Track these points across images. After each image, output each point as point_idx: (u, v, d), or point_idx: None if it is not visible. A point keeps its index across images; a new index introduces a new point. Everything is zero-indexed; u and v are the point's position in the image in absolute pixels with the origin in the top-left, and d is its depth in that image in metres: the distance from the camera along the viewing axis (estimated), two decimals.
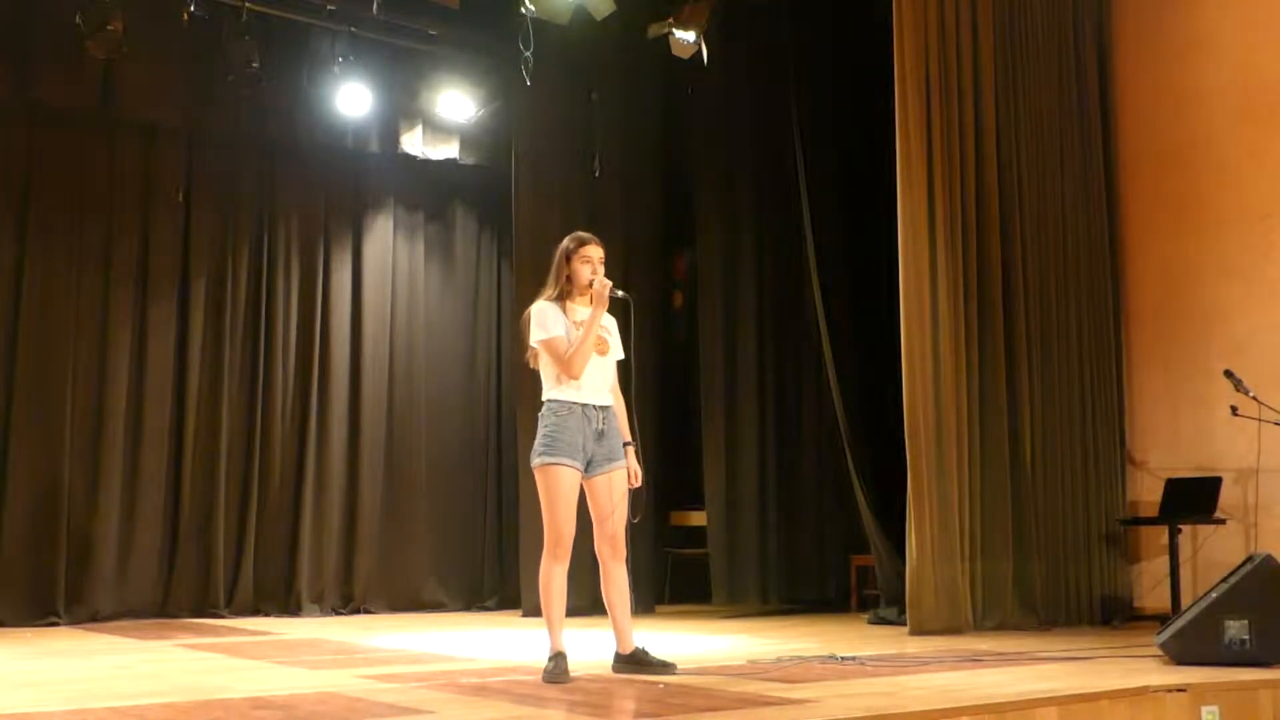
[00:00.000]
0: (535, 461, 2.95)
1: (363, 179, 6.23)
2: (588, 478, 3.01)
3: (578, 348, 2.92)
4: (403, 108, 6.11)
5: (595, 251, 3.07)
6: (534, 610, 5.52)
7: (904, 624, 4.49)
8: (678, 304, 6.42)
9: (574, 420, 2.96)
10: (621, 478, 3.05)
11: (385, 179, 6.27)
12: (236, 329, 5.86)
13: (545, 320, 3.01)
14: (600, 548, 3.07)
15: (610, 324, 3.20)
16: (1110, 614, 4.87)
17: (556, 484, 2.93)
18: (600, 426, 2.98)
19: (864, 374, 5.70)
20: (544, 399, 3.04)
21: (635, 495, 3.02)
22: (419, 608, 6.01)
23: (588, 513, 3.02)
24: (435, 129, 6.23)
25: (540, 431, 3.00)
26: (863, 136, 5.61)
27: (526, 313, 3.08)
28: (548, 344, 2.98)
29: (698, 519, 5.94)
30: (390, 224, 6.29)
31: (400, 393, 6.21)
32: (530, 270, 5.67)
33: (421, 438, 6.16)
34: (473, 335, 6.54)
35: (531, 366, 3.12)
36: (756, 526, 5.84)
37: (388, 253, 6.26)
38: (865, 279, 5.75)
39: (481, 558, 6.27)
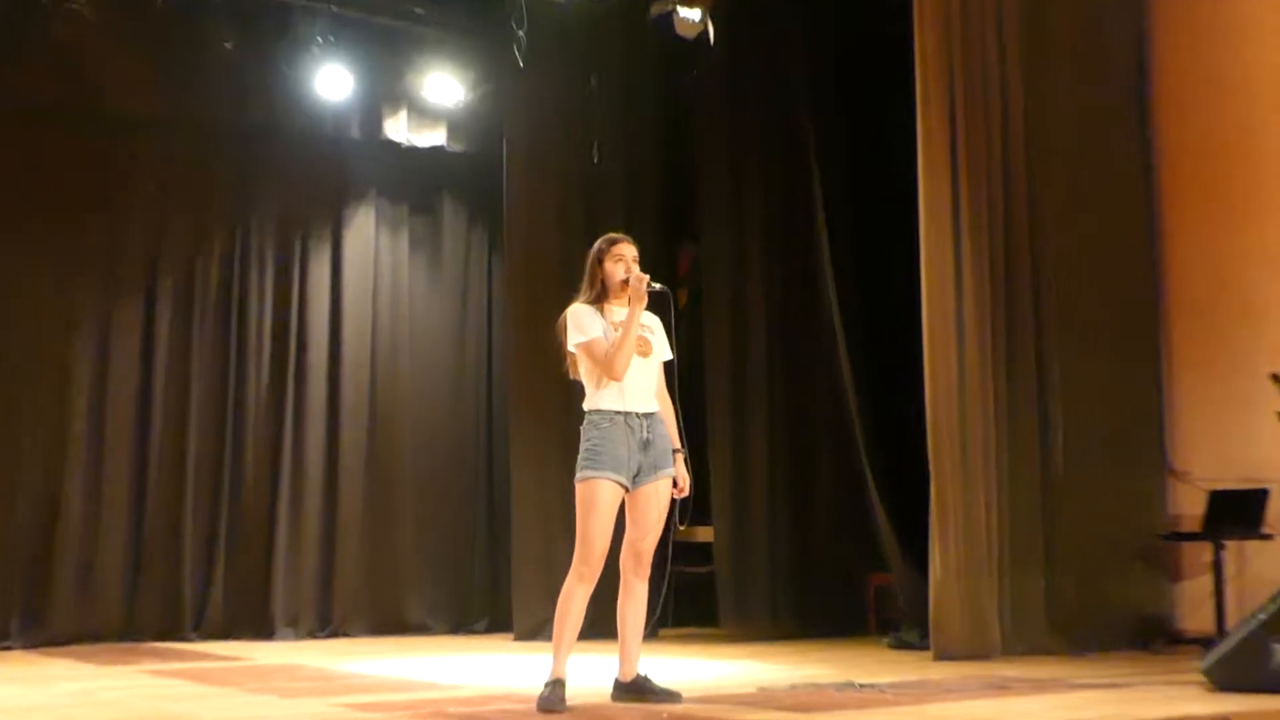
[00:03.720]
0: (578, 476, 2.98)
1: (343, 168, 6.19)
2: (633, 489, 3.02)
3: (618, 346, 2.96)
4: (386, 91, 6.07)
5: (628, 250, 3.13)
6: (527, 634, 5.45)
7: (927, 648, 4.45)
8: (682, 303, 6.29)
9: (617, 431, 3.00)
10: (667, 487, 3.07)
11: (367, 168, 6.22)
12: (206, 330, 5.84)
13: (582, 322, 3.05)
14: (625, 560, 3.13)
15: (653, 323, 3.24)
16: (1149, 637, 4.80)
17: (595, 498, 2.96)
18: (646, 435, 3.01)
19: (883, 377, 5.60)
20: (585, 409, 3.08)
21: (682, 504, 3.06)
22: (402, 630, 5.96)
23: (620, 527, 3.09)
24: (421, 114, 6.20)
25: (583, 445, 3.05)
26: (881, 123, 5.51)
27: (562, 317, 3.12)
28: (586, 347, 3.01)
29: (704, 535, 5.87)
30: (372, 216, 6.23)
31: (383, 399, 6.14)
32: (524, 267, 5.61)
33: (406, 447, 6.12)
34: (461, 336, 6.48)
35: (571, 376, 3.15)
36: (767, 543, 5.78)
37: (370, 247, 6.19)
38: (884, 276, 5.67)
39: (471, 577, 6.23)
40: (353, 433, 6.03)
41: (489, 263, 6.68)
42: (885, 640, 5.04)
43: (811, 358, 6.01)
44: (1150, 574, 4.92)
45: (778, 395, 5.93)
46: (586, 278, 3.12)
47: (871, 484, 5.35)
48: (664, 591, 3.18)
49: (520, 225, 5.73)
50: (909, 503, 5.09)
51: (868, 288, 5.84)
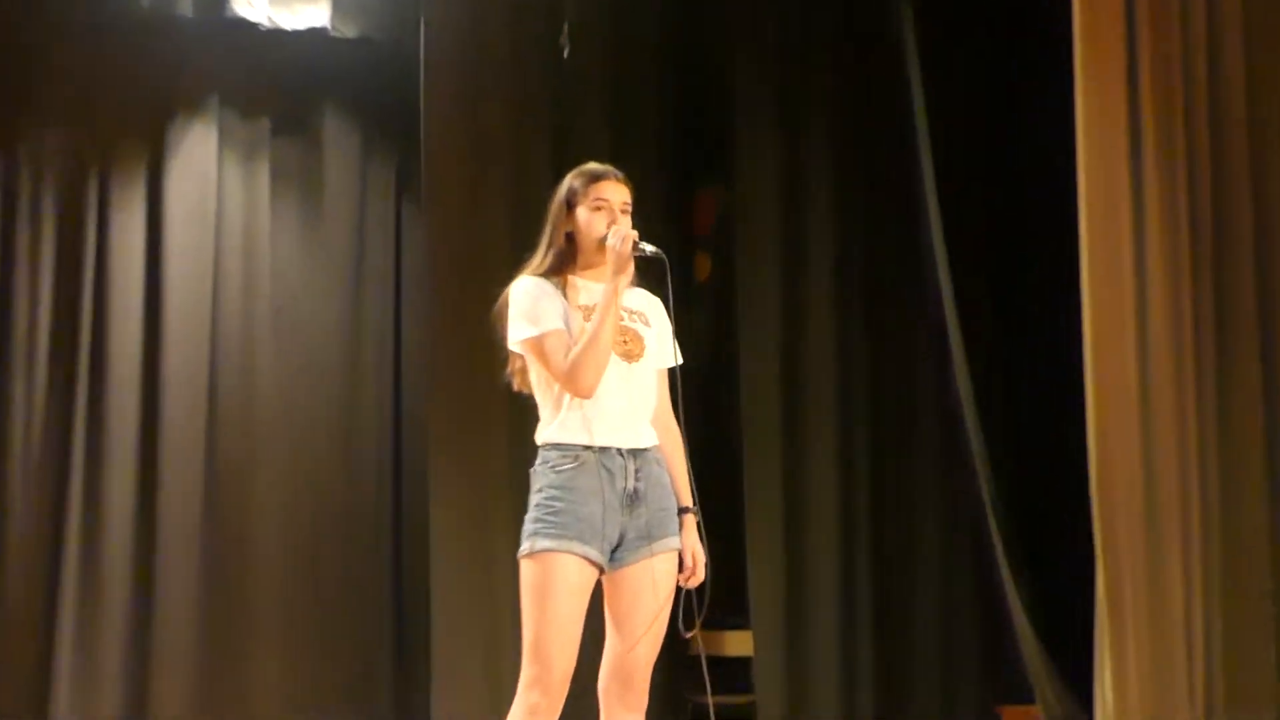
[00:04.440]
0: (522, 548, 2.83)
1: (166, 64, 5.74)
2: (612, 570, 2.86)
3: (589, 343, 2.80)
4: None
5: (615, 192, 2.92)
6: None
7: None
8: (701, 276, 6.04)
9: (586, 478, 2.84)
10: (669, 567, 2.90)
11: (205, 64, 5.78)
12: None
13: (531, 305, 2.85)
14: (607, 684, 2.89)
15: (648, 309, 2.99)
16: None
17: (549, 583, 2.80)
18: (633, 485, 2.87)
19: (1021, 396, 5.33)
20: (539, 442, 2.89)
21: (696, 595, 2.93)
22: None
23: (594, 628, 2.85)
24: None
25: (532, 499, 2.85)
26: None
27: (502, 297, 2.92)
28: (537, 344, 2.85)
29: (737, 644, 5.54)
30: (213, 141, 5.81)
31: (229, 426, 5.75)
32: (454, 221, 5.29)
33: (267, 495, 5.74)
34: (353, 329, 6.05)
35: (516, 388, 2.99)
36: (839, 657, 5.38)
37: (208, 190, 5.79)
38: (1024, 243, 5.40)
39: (369, 678, 5.89)
40: (180, 477, 5.61)
41: (397, 214, 6.16)
42: None
43: (907, 364, 5.58)
44: None
45: (854, 420, 5.58)
46: (546, 232, 2.93)
47: (1003, 563, 4.94)
48: None
49: (448, 155, 5.30)
50: (1064, 594, 4.87)
51: (999, 261, 5.50)
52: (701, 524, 2.96)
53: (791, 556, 5.45)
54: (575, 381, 2.82)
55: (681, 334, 5.49)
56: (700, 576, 2.94)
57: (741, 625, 5.48)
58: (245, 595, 5.75)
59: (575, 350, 2.82)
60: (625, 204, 2.92)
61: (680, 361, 3.02)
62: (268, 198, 6.02)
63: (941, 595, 5.51)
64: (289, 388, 5.99)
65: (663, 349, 3.00)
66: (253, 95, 5.99)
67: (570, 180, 2.95)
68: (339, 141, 6.17)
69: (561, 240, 2.92)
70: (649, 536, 2.88)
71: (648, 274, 2.93)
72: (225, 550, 5.76)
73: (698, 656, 5.05)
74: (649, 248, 2.84)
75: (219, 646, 5.70)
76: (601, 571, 2.84)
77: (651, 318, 2.99)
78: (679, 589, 2.90)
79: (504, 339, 2.92)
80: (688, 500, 2.97)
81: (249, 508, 5.82)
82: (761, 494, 5.43)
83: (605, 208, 2.90)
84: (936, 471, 5.53)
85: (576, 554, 2.81)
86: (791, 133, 5.62)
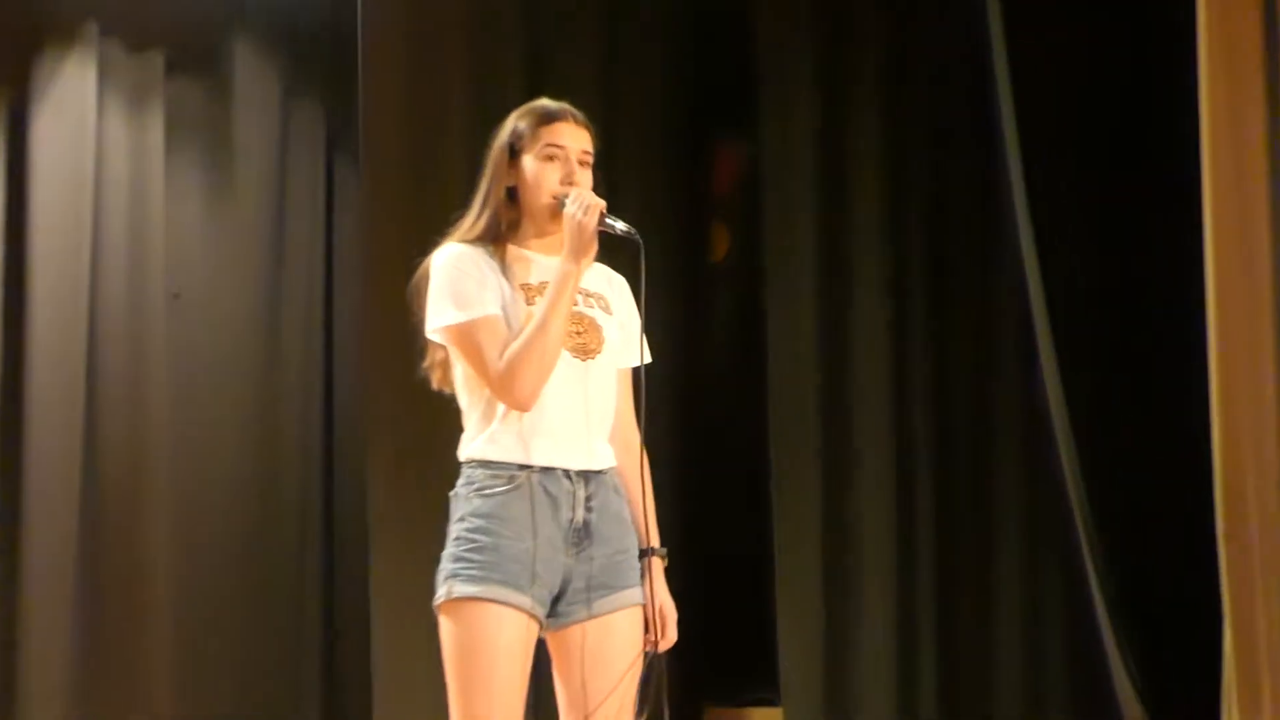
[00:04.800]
0: (437, 594, 2.75)
1: None
2: (554, 628, 2.80)
3: (529, 340, 2.73)
4: None
5: (574, 136, 2.82)
6: None
7: None
8: (718, 253, 5.94)
9: (520, 504, 2.79)
10: (628, 626, 2.83)
11: None
12: None
13: (460, 284, 2.76)
14: None
15: (610, 289, 2.90)
16: None
17: (475, 642, 2.75)
18: (582, 516, 2.82)
19: (1129, 406, 5.21)
20: (461, 459, 2.81)
21: (655, 667, 2.90)
22: None
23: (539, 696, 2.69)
24: None
25: (451, 530, 2.77)
26: None
27: (421, 268, 2.80)
28: (463, 334, 2.76)
29: None
30: (91, 78, 5.76)
31: (114, 429, 5.76)
32: (400, 181, 5.27)
33: (165, 514, 5.82)
34: (273, 316, 6.03)
35: (435, 386, 2.91)
36: None
37: (85, 141, 5.76)
38: (1128, 217, 5.28)
39: (294, 699, 6.13)
40: (52, 495, 5.65)
41: (327, 175, 6.02)
42: None
43: (982, 366, 5.48)
44: None
45: (913, 438, 5.47)
46: (480, 189, 2.86)
47: (1105, 622, 4.91)
48: None
49: (391, 102, 5.16)
50: (1186, 655, 4.87)
51: (1099, 239, 5.35)
52: (668, 569, 2.96)
53: (832, 613, 5.26)
54: (512, 387, 2.78)
55: (684, 328, 5.88)
56: (671, 638, 2.90)
57: (770, 701, 5.35)
58: (136, 610, 5.82)
59: (515, 346, 2.75)
60: (585, 153, 2.88)
61: (649, 360, 2.95)
62: (161, 153, 5.85)
63: (1026, 663, 5.29)
64: (189, 389, 5.87)
65: (626, 343, 2.94)
66: (143, 22, 5.81)
67: (514, 120, 2.89)
68: (253, 83, 6.01)
69: (501, 197, 2.87)
70: (604, 586, 2.86)
71: (619, 253, 2.82)
72: (112, 565, 5.82)
73: None
74: (620, 225, 2.77)
75: (100, 666, 5.78)
76: (541, 626, 2.82)
77: (614, 302, 2.93)
78: (647, 654, 2.89)
79: (421, 323, 2.88)
80: (654, 539, 2.93)
81: (141, 515, 5.82)
82: (794, 534, 5.25)
83: (559, 157, 2.84)
84: (1019, 504, 5.30)
85: (508, 604, 2.79)
86: (831, 72, 5.41)
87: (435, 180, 5.27)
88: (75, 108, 5.83)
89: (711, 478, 5.82)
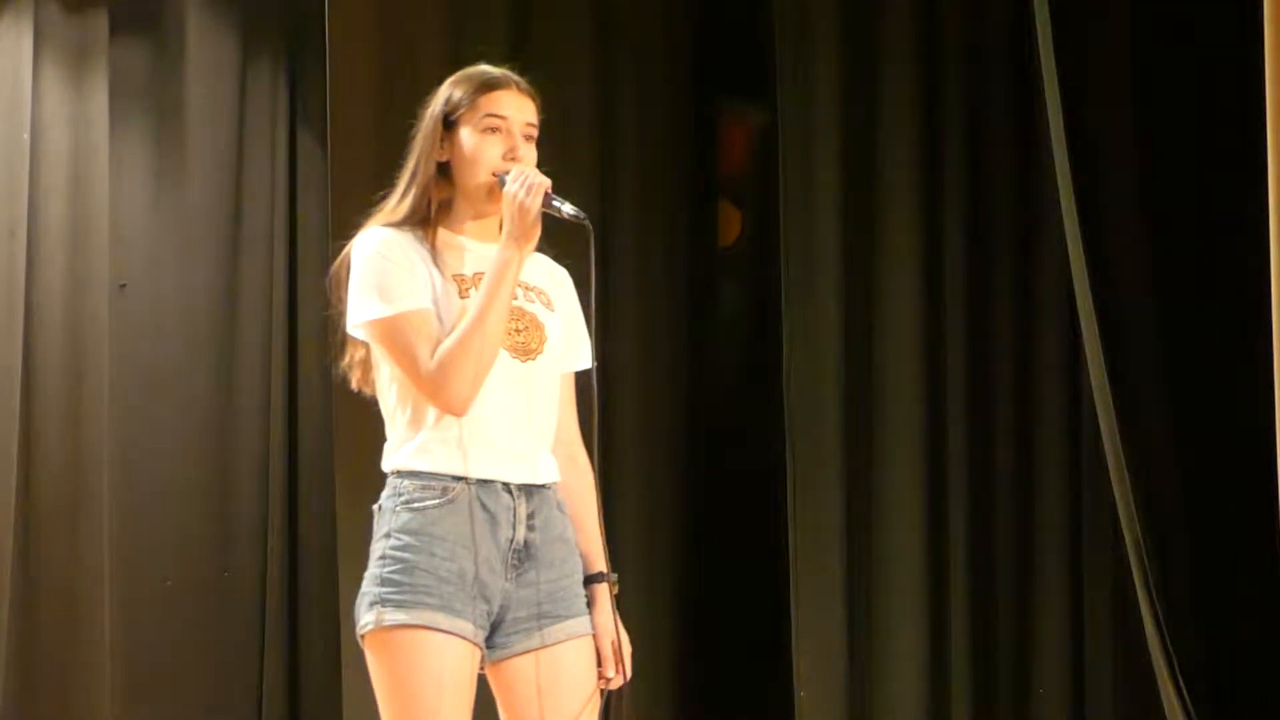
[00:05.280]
0: (363, 621, 2.72)
1: None
2: (495, 660, 2.80)
3: (463, 337, 2.71)
4: None
5: (517, 105, 2.80)
6: None
7: None
8: (728, 237, 5.91)
9: (454, 519, 2.77)
10: (576, 658, 2.83)
11: None
12: None
13: (384, 273, 2.74)
14: None
15: (552, 283, 2.90)
16: None
17: (409, 673, 2.74)
18: (523, 535, 2.78)
19: (1183, 411, 4.98)
20: (386, 470, 2.79)
21: (612, 701, 2.94)
22: None
23: None
24: None
25: (374, 549, 2.77)
26: None
27: (341, 255, 2.80)
28: (390, 331, 2.74)
29: None
30: (26, 40, 5.67)
31: (52, 431, 5.77)
32: (371, 155, 5.14)
33: (106, 524, 5.79)
34: (230, 303, 5.96)
35: (355, 387, 2.91)
36: None
37: (20, 109, 5.69)
38: (1179, 196, 5.13)
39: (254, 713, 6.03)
40: None
41: (290, 148, 5.97)
42: None
43: (1026, 362, 5.44)
44: None
45: (947, 443, 5.44)
46: (408, 164, 2.89)
47: (1154, 640, 4.74)
48: None
49: (362, 65, 5.12)
50: (1247, 671, 4.83)
51: (1151, 230, 5.18)
52: (617, 596, 3.01)
53: (854, 628, 5.18)
54: (444, 389, 2.74)
55: (687, 328, 5.99)
56: (627, 673, 2.90)
57: None
58: (75, 627, 5.91)
59: (447, 344, 2.71)
60: (530, 125, 2.84)
61: (594, 363, 2.93)
62: (106, 124, 5.75)
63: (1069, 681, 5.35)
64: (135, 387, 5.84)
65: (570, 343, 2.91)
66: None
67: (449, 87, 2.87)
68: (207, 46, 5.93)
69: (431, 173, 2.83)
70: (549, 614, 2.86)
71: (567, 240, 2.84)
72: (45, 592, 5.84)
73: None
74: (568, 207, 2.76)
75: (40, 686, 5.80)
76: (482, 651, 2.84)
77: (556, 298, 2.90)
78: (603, 692, 2.90)
79: (340, 317, 2.85)
80: (601, 564, 2.90)
81: (86, 529, 5.88)
82: (813, 554, 5.12)
83: (501, 129, 2.80)
84: (1062, 507, 5.18)
85: (447, 631, 2.76)
86: (859, 28, 5.27)
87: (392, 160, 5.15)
88: (8, 74, 5.84)
89: (722, 480, 5.92)
